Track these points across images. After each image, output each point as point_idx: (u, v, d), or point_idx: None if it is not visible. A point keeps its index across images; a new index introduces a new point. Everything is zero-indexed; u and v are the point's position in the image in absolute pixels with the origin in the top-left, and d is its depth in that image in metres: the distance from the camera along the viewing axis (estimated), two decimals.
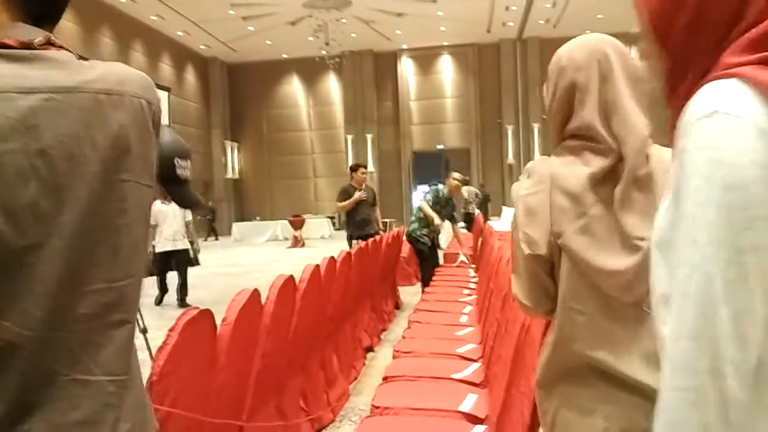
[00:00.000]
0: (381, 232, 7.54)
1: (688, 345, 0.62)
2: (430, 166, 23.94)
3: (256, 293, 2.41)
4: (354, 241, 7.08)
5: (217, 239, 21.77)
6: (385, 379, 2.94)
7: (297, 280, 3.06)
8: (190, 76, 24.30)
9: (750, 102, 0.63)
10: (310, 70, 25.24)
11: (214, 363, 2.10)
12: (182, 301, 8.29)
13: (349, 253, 4.21)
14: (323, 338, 3.74)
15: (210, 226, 22.25)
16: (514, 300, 1.41)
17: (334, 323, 3.98)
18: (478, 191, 17.70)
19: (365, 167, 7.93)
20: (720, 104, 0.63)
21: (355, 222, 7.49)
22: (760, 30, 0.66)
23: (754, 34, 0.66)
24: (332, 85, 25.85)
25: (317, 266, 3.27)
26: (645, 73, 1.43)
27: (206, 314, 1.98)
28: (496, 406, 2.36)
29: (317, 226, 21.20)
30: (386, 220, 16.66)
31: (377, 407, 2.54)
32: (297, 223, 18.89)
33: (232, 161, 25.77)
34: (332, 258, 3.70)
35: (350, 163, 24.61)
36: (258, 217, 24.21)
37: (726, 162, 0.61)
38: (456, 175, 7.42)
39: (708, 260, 0.61)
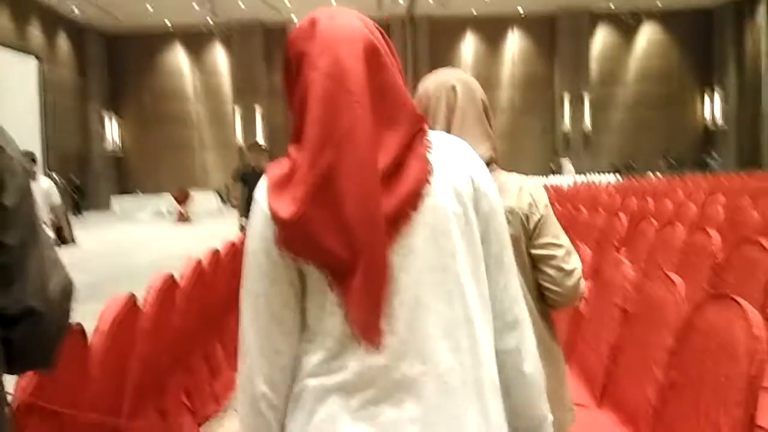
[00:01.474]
0: None
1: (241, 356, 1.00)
2: None
3: (131, 298, 2.32)
4: (243, 219, 6.97)
5: (80, 214, 20.16)
6: None
7: (183, 261, 2.97)
8: (64, 43, 22.65)
9: (263, 190, 0.96)
10: (196, 39, 24.25)
11: (85, 377, 2.02)
12: None
13: (233, 243, 4.13)
14: (208, 331, 3.67)
15: (73, 200, 20.59)
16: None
17: (219, 314, 3.92)
18: None
19: (260, 146, 7.78)
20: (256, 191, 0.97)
21: (246, 200, 7.23)
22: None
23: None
24: (219, 56, 25.01)
25: (199, 261, 3.19)
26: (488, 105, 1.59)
27: (75, 330, 1.90)
28: None
29: (204, 200, 20.62)
30: None
31: None
32: (182, 198, 18.26)
33: (112, 133, 24.40)
34: (216, 250, 3.62)
35: (239, 135, 24.14)
36: (139, 190, 23.13)
37: (248, 235, 0.97)
38: None
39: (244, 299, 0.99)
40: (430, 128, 1.46)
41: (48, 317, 0.98)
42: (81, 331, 1.99)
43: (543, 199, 1.60)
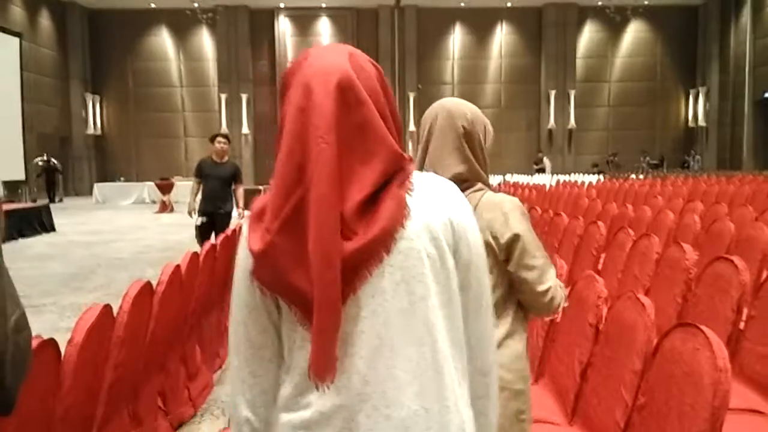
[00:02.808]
0: (241, 212, 6.91)
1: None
2: None
3: (107, 309, 2.31)
4: (200, 218, 6.68)
5: (54, 201, 19.41)
6: None
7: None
8: (45, 20, 22.29)
9: (247, 220, 0.99)
10: (181, 22, 23.98)
11: (58, 389, 2.02)
12: None
13: (213, 245, 4.12)
14: (185, 334, 3.67)
15: (48, 185, 20.10)
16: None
17: (197, 315, 3.91)
18: None
19: (225, 137, 6.97)
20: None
21: (202, 197, 6.80)
22: None
23: None
24: (205, 40, 24.76)
25: (177, 266, 3.18)
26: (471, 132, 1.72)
27: (47, 344, 1.89)
28: None
29: (188, 189, 20.45)
30: (261, 187, 16.40)
31: None
32: (165, 188, 18.14)
33: (94, 116, 24.09)
34: (195, 254, 3.61)
35: (224, 123, 23.96)
36: (122, 178, 22.90)
37: (235, 264, 1.02)
38: None
39: (230, 326, 1.04)
40: (419, 153, 1.50)
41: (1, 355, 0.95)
42: (53, 344, 1.98)
43: (516, 219, 1.67)
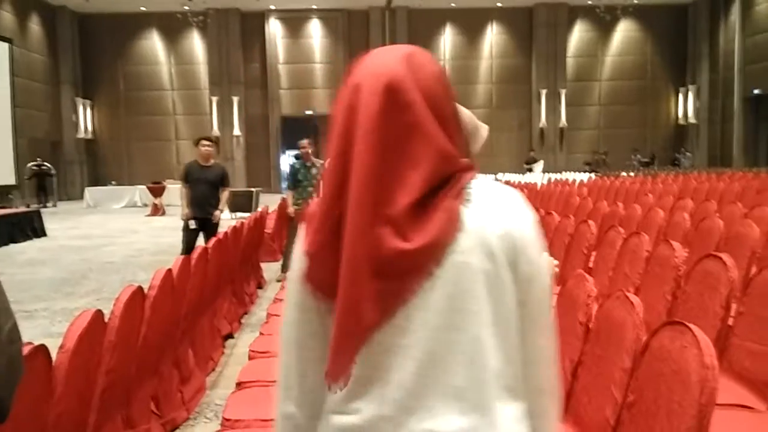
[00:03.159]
0: (215, 214, 6.77)
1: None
2: (299, 131, 23.65)
3: (98, 315, 2.32)
4: (191, 222, 6.62)
5: (47, 206, 19.22)
6: (239, 385, 2.95)
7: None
8: (35, 26, 22.21)
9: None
10: (172, 26, 23.93)
11: (49, 396, 2.02)
12: None
13: (205, 249, 4.12)
14: (177, 338, 3.67)
15: (39, 189, 19.76)
16: None
17: (189, 319, 3.91)
18: None
19: (209, 140, 6.95)
20: None
21: (192, 203, 6.71)
22: None
23: None
24: (196, 44, 24.72)
25: (169, 271, 3.18)
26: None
27: (38, 351, 1.89)
28: None
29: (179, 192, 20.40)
30: (253, 189, 16.38)
31: (228, 420, 2.55)
32: (157, 191, 18.09)
33: (85, 120, 24.00)
34: (186, 258, 3.61)
35: (215, 125, 23.92)
36: (114, 182, 22.81)
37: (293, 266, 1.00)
38: (303, 142, 7.52)
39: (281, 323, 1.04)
40: None
41: None
42: (44, 350, 1.98)
43: None
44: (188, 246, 6.39)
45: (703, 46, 24.30)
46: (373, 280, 0.88)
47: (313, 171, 7.45)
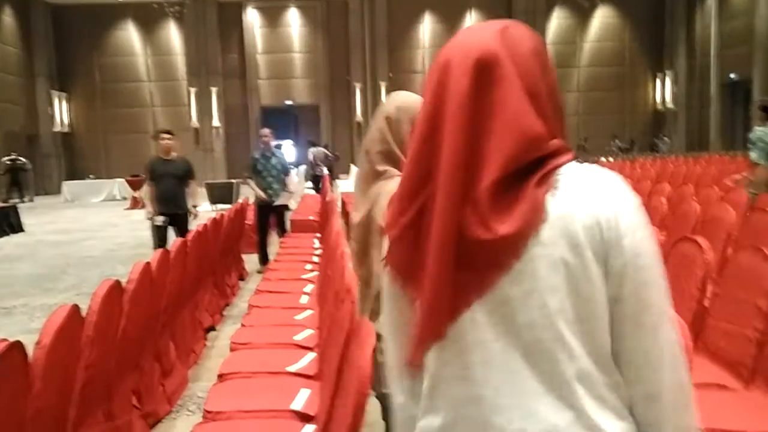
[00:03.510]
0: (194, 211, 6.70)
1: None
2: (279, 121, 23.57)
3: (74, 309, 2.29)
4: (158, 218, 6.41)
5: (23, 201, 18.87)
6: (220, 377, 2.94)
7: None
8: (9, 18, 21.80)
9: None
10: (148, 16, 23.61)
11: (27, 392, 2.00)
12: None
13: (185, 241, 4.09)
14: (158, 331, 3.64)
15: (12, 184, 19.24)
16: None
17: (170, 312, 3.89)
18: (328, 152, 17.74)
19: (169, 133, 6.73)
20: None
21: (157, 198, 6.52)
22: None
23: None
24: (173, 34, 24.42)
25: (147, 264, 3.15)
26: None
27: (13, 348, 1.87)
28: (325, 402, 2.44)
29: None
30: (233, 180, 16.26)
31: (209, 412, 2.54)
32: (136, 184, 17.89)
33: (61, 113, 23.65)
34: (165, 251, 3.58)
35: (194, 116, 23.69)
36: (92, 176, 22.53)
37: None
38: (264, 131, 7.61)
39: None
40: None
41: None
42: (19, 346, 1.96)
43: None
44: (160, 243, 6.25)
45: (681, 32, 24.49)
46: (455, 268, 0.85)
47: (273, 161, 7.42)
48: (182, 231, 6.34)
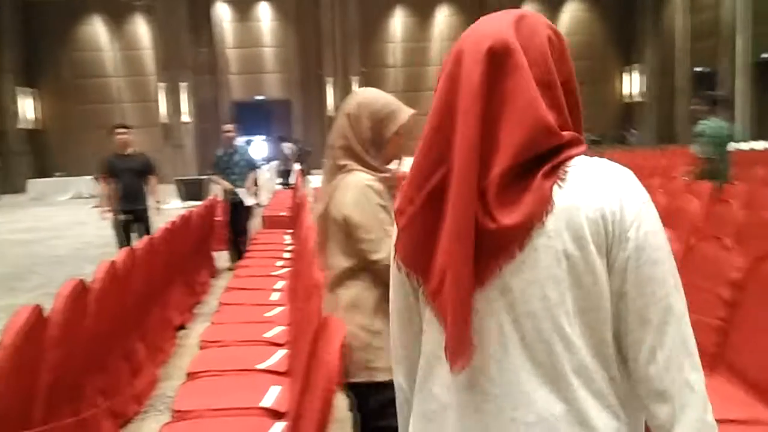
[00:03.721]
0: (159, 206, 6.58)
1: None
2: (251, 117, 23.37)
3: (36, 309, 2.25)
4: (120, 217, 6.24)
5: None
6: (189, 375, 2.92)
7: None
8: None
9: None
10: (116, 10, 23.20)
11: None
12: None
13: (152, 239, 4.04)
14: (126, 330, 3.60)
15: None
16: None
17: (138, 311, 3.84)
18: (295, 147, 17.65)
19: (124, 127, 6.55)
20: None
21: (118, 196, 6.30)
22: None
23: None
24: (141, 29, 24.03)
25: (113, 263, 3.11)
26: None
27: None
28: (294, 399, 2.44)
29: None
30: (204, 176, 16.08)
31: (178, 411, 2.52)
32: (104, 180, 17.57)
33: (27, 109, 23.13)
34: (131, 249, 3.54)
35: (164, 112, 23.33)
36: (60, 173, 22.08)
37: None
38: (227, 126, 7.33)
39: None
40: None
41: None
42: None
43: (352, 201, 1.91)
44: (124, 242, 6.09)
45: (649, 25, 24.81)
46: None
47: (236, 158, 7.21)
48: (145, 228, 6.21)
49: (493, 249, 0.85)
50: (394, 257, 0.96)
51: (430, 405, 0.93)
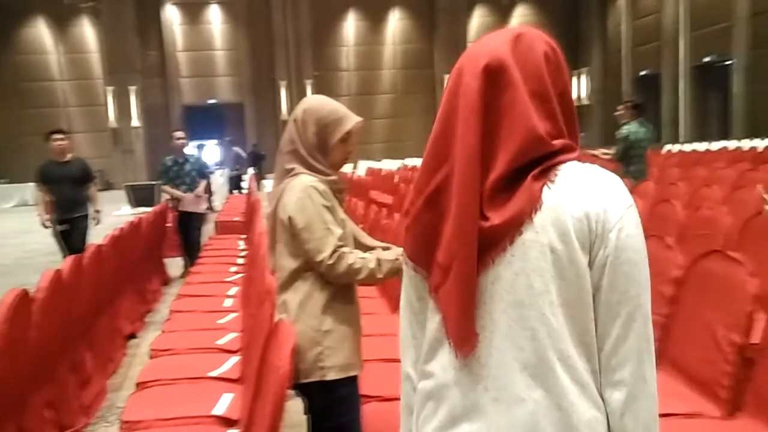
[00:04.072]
0: (97, 216, 6.32)
1: None
2: (203, 121, 23.06)
3: None
4: (57, 227, 6.03)
5: None
6: (138, 385, 2.86)
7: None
8: None
9: None
10: (60, 12, 22.57)
11: None
12: None
13: (99, 246, 3.95)
14: (73, 341, 3.51)
15: None
16: None
17: (86, 321, 3.75)
18: (241, 153, 17.53)
19: (61, 132, 6.25)
20: None
21: (55, 204, 6.05)
22: None
23: None
24: (87, 32, 23.46)
25: (58, 272, 3.03)
26: None
27: None
28: (246, 405, 2.42)
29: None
30: (154, 182, 15.78)
31: (126, 422, 2.47)
32: None
33: None
34: (77, 257, 3.45)
35: (112, 116, 22.81)
36: (1, 180, 21.34)
37: None
38: (178, 133, 7.16)
39: None
40: None
41: None
42: None
43: (293, 202, 1.97)
44: (65, 251, 5.90)
45: (595, 29, 25.48)
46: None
47: (186, 167, 6.98)
48: (82, 237, 6.03)
49: (487, 244, 0.93)
50: (403, 253, 1.07)
51: (431, 383, 1.01)
